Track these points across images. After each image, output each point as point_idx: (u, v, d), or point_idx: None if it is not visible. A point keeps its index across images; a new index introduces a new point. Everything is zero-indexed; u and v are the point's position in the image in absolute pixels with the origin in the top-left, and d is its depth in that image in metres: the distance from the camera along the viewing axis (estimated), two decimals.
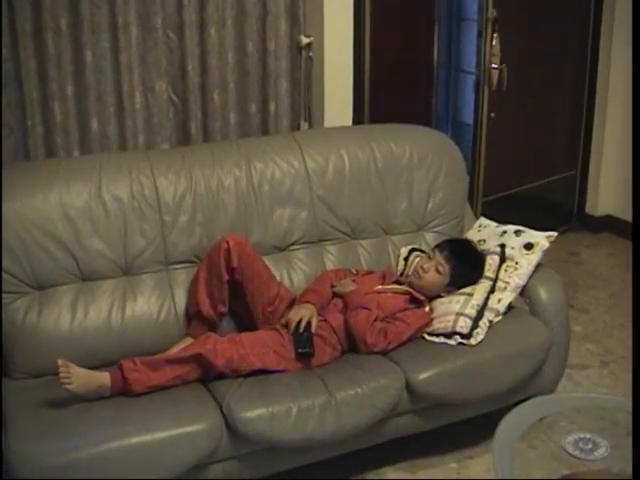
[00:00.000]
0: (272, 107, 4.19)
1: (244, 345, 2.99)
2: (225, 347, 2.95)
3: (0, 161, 3.52)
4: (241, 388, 2.88)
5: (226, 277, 3.16)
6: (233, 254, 3.15)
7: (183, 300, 3.25)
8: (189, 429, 2.71)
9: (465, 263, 3.40)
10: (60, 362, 2.75)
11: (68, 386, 2.72)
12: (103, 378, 2.82)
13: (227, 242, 3.16)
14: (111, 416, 2.73)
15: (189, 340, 3.11)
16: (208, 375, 2.94)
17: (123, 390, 2.83)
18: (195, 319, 3.19)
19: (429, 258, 3.40)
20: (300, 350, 3.06)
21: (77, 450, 2.60)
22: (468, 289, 3.34)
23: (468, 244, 3.55)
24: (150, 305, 3.20)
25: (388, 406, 3.00)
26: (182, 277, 3.29)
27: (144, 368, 2.86)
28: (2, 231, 3.01)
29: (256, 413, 2.79)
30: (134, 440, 2.64)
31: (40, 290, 3.08)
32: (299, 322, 3.12)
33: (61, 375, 2.73)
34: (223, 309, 3.21)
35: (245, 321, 3.28)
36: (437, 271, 3.35)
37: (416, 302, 3.30)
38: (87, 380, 2.78)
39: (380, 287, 3.36)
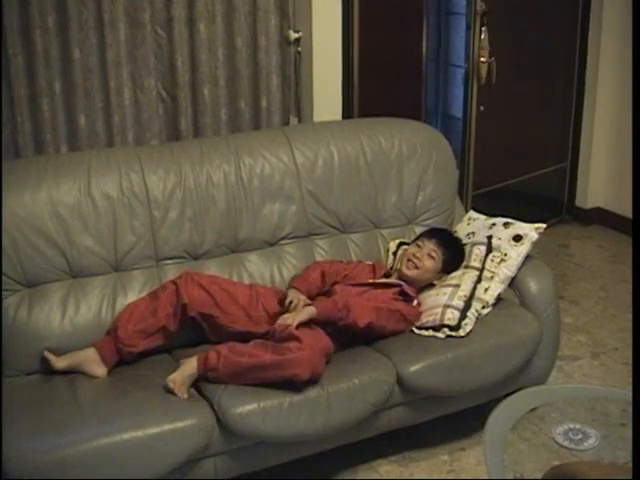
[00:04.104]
0: (263, 102, 4.19)
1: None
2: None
3: (0, 162, 3.51)
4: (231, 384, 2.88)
5: (163, 322, 3.07)
6: (182, 291, 3.09)
7: None
8: (180, 425, 2.70)
9: (452, 248, 3.47)
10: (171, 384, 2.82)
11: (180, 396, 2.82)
12: (191, 368, 2.88)
13: (174, 283, 3.13)
14: (103, 412, 2.73)
15: (91, 350, 3.00)
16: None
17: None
18: (108, 336, 3.07)
19: (418, 247, 3.43)
20: None
21: (69, 447, 2.59)
22: (455, 280, 3.36)
23: (449, 231, 3.65)
24: None
25: (379, 400, 3.00)
26: (172, 272, 3.28)
27: (224, 371, 2.87)
28: (2, 231, 3.03)
29: (247, 409, 2.79)
30: (126, 436, 2.64)
31: (30, 287, 3.08)
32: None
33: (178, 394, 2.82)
34: (134, 347, 3.05)
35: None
36: (430, 257, 3.39)
37: (405, 295, 3.30)
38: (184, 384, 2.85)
39: (371, 280, 3.37)
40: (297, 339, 2.92)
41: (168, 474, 2.72)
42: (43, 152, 3.72)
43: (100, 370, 2.96)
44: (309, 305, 3.12)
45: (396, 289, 3.30)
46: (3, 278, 3.03)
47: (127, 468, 2.64)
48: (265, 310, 3.21)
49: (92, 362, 2.96)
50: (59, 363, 2.94)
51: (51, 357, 2.94)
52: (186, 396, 2.81)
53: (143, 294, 3.21)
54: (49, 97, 3.69)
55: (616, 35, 5.26)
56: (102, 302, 3.14)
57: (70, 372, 2.95)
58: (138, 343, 3.03)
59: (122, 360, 3.03)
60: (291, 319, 3.01)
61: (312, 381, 2.88)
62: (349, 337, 3.17)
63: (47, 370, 2.96)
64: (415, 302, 3.33)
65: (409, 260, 3.41)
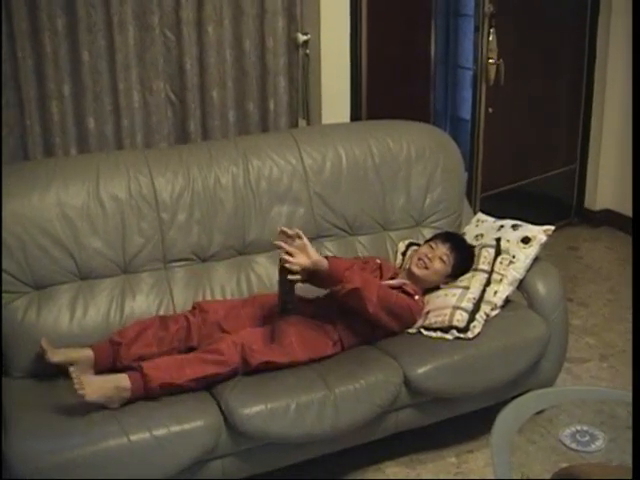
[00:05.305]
0: (271, 105, 4.19)
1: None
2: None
3: (0, 162, 3.53)
4: (239, 385, 2.89)
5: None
6: (192, 332, 3.10)
7: (182, 298, 3.27)
8: (187, 426, 2.71)
9: (464, 255, 3.46)
10: (71, 369, 2.73)
11: (83, 394, 2.67)
12: (120, 379, 2.79)
13: (187, 318, 3.13)
14: (109, 414, 2.73)
15: (88, 350, 2.99)
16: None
17: (144, 389, 2.79)
18: (109, 343, 3.04)
19: (431, 248, 3.43)
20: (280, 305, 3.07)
21: (77, 448, 2.60)
22: (464, 282, 3.37)
23: (461, 237, 3.63)
24: (149, 303, 3.22)
25: (386, 401, 3.01)
26: (180, 275, 3.31)
27: (164, 367, 2.85)
28: (2, 231, 3.03)
29: (255, 410, 2.80)
30: (133, 438, 2.65)
31: (39, 289, 3.10)
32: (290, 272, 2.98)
33: (75, 386, 2.69)
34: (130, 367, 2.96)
35: None
36: (441, 261, 3.39)
37: (406, 294, 3.30)
38: (102, 385, 2.74)
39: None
40: (223, 340, 2.97)
41: (176, 475, 2.72)
42: (52, 155, 3.73)
43: (89, 373, 2.94)
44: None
45: (397, 290, 3.30)
46: (12, 280, 3.04)
47: (134, 470, 2.65)
48: (270, 322, 3.20)
49: (85, 364, 2.94)
50: (55, 357, 2.89)
51: (49, 348, 2.91)
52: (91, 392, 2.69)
53: (151, 296, 3.23)
54: (58, 100, 3.70)
55: (625, 37, 5.25)
56: (110, 304, 3.16)
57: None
58: (135, 365, 2.98)
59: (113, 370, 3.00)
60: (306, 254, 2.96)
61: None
62: (354, 332, 3.19)
63: (47, 368, 2.92)
64: (417, 297, 3.32)
65: (420, 259, 3.41)
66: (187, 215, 3.33)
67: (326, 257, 3.08)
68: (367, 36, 4.44)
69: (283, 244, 2.97)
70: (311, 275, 3.03)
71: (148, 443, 2.66)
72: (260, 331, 3.08)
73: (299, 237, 3.00)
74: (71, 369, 2.74)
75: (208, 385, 2.91)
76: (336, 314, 3.19)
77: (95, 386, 2.72)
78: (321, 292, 3.27)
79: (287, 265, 2.94)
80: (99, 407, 2.73)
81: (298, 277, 2.97)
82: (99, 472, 2.61)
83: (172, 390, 2.83)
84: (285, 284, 3.02)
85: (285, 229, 3.04)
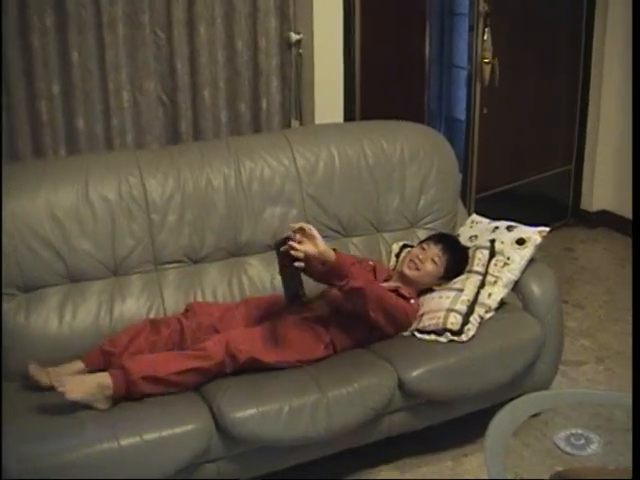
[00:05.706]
0: (263, 105, 4.18)
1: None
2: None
3: (0, 162, 3.50)
4: (231, 388, 2.86)
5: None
6: (186, 334, 3.06)
7: (172, 300, 3.25)
8: (178, 430, 2.69)
9: (457, 256, 3.42)
10: (49, 370, 2.72)
11: (63, 391, 2.65)
12: (101, 376, 2.77)
13: (179, 321, 3.10)
14: (101, 418, 2.71)
15: (79, 363, 2.95)
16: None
17: (126, 384, 2.77)
18: (100, 352, 3.00)
19: (423, 249, 3.41)
20: (288, 293, 3.02)
21: (69, 452, 2.58)
22: (458, 284, 3.34)
23: (455, 238, 3.60)
24: (139, 306, 3.20)
25: (380, 404, 2.98)
26: (171, 277, 3.29)
27: (147, 362, 2.84)
28: (2, 232, 3.01)
29: (247, 413, 2.77)
30: (124, 442, 2.62)
31: (27, 292, 3.07)
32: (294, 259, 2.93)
33: (55, 384, 2.67)
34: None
35: None
36: (433, 262, 3.36)
37: (402, 297, 3.27)
38: (82, 383, 2.73)
39: None
40: (209, 339, 2.96)
41: (172, 476, 2.70)
42: (42, 155, 3.72)
43: None
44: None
45: (394, 293, 3.27)
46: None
47: (126, 474, 2.63)
48: (263, 323, 3.17)
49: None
50: (47, 379, 2.83)
51: (38, 374, 2.85)
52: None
53: (142, 299, 3.21)
54: (47, 99, 3.68)
55: (621, 36, 5.24)
56: (100, 307, 3.14)
57: None
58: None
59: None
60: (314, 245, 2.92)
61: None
62: (347, 335, 3.17)
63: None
64: (412, 301, 3.29)
65: (411, 261, 3.39)
66: (178, 216, 3.30)
67: (333, 249, 3.04)
68: (360, 35, 4.42)
69: (293, 232, 2.94)
70: (314, 268, 2.99)
71: (139, 447, 2.64)
72: (250, 330, 3.07)
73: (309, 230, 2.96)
74: (49, 369, 2.74)
75: (196, 384, 2.89)
76: (329, 316, 3.17)
77: (75, 384, 2.71)
78: (316, 292, 3.25)
79: (292, 252, 2.89)
80: (89, 409, 2.71)
81: (302, 264, 2.92)
82: (91, 476, 2.59)
83: (157, 387, 2.81)
84: (289, 272, 2.97)
85: (301, 224, 2.98)
